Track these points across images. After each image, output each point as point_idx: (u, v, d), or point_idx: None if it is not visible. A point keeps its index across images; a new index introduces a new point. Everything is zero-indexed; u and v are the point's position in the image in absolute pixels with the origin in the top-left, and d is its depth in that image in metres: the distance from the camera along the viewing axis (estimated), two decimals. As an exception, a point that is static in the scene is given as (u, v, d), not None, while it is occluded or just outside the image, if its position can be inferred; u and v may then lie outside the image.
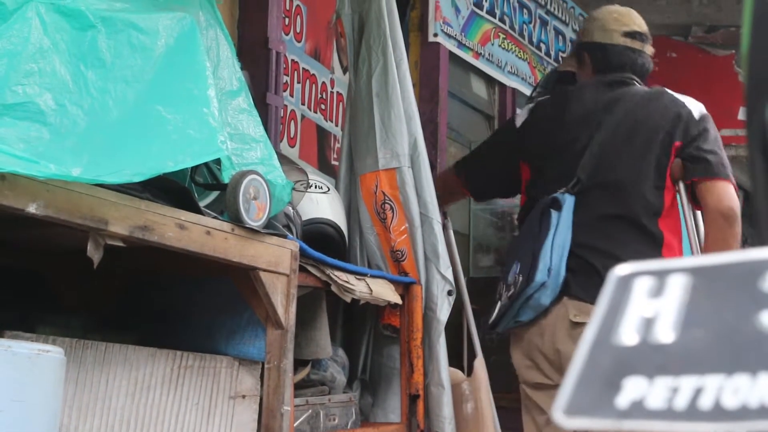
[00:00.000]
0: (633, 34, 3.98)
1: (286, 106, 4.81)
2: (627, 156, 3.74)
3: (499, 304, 3.70)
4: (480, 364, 4.37)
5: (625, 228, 3.68)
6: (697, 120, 3.81)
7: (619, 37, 3.97)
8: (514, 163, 3.99)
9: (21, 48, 2.44)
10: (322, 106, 5.11)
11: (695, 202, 3.78)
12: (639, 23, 4.03)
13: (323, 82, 5.13)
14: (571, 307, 3.55)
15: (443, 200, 4.59)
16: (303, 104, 4.99)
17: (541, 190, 3.81)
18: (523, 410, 3.81)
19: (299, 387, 3.50)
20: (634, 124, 3.78)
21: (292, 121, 4.89)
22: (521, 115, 4.11)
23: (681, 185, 3.78)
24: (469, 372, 4.54)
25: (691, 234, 3.85)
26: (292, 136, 4.89)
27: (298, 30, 4.95)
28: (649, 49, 4.02)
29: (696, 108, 3.86)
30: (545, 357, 3.63)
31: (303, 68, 4.98)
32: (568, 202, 3.65)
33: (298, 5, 4.95)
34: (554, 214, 3.63)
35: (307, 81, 5.02)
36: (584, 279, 3.56)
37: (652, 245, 3.68)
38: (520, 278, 3.59)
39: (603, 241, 3.65)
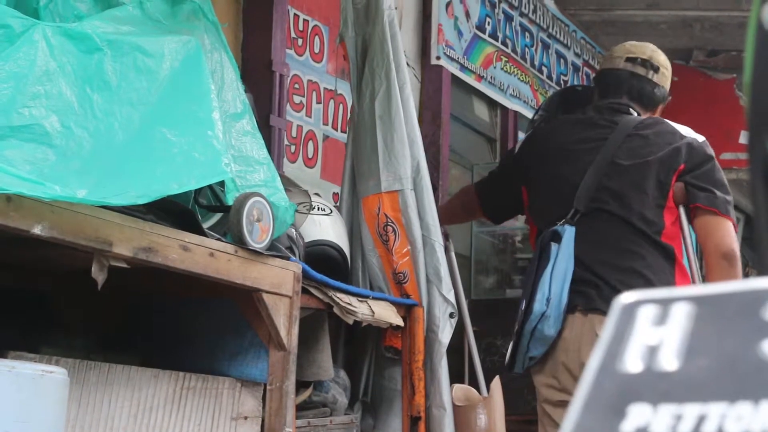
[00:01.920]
0: (635, 60, 3.98)
1: (301, 126, 4.82)
2: (626, 178, 3.76)
3: (511, 344, 3.72)
4: (496, 385, 4.38)
5: (637, 242, 3.71)
6: (701, 144, 3.83)
7: (621, 62, 3.98)
8: (517, 188, 4.00)
9: (28, 70, 2.46)
10: (352, 125, 5.10)
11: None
12: (651, 54, 4.01)
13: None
14: (597, 322, 3.56)
15: (460, 218, 4.59)
16: (326, 124, 4.99)
17: (540, 217, 3.87)
18: (539, 429, 3.80)
19: (301, 408, 3.50)
20: (632, 147, 3.80)
21: (310, 141, 4.89)
22: (520, 142, 4.18)
23: (682, 209, 3.80)
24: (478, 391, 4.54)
25: (692, 256, 3.87)
26: (310, 156, 4.89)
27: (316, 50, 4.96)
28: (658, 78, 3.99)
29: (698, 136, 3.87)
30: (570, 372, 3.62)
31: (325, 88, 4.98)
32: (568, 233, 3.68)
33: (316, 25, 4.97)
34: (554, 246, 3.66)
35: (331, 101, 5.02)
36: (608, 293, 3.58)
37: (665, 258, 3.72)
38: (524, 314, 3.63)
39: (619, 257, 3.68)
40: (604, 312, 3.55)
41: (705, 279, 3.79)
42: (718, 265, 3.70)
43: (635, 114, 3.93)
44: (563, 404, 3.66)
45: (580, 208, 3.73)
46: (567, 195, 3.78)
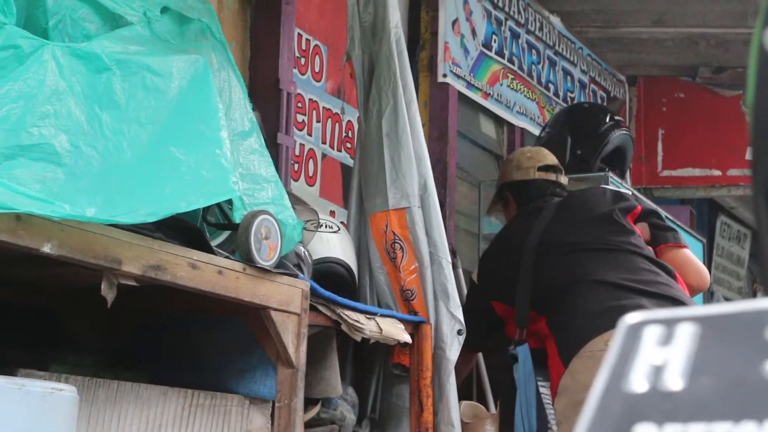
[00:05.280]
0: (547, 168, 4.42)
1: (303, 145, 4.84)
2: (602, 230, 4.03)
3: None
4: None
5: (646, 262, 3.93)
6: (633, 195, 4.36)
7: (534, 172, 4.40)
8: (489, 307, 4.22)
9: (37, 90, 2.48)
10: (348, 145, 5.12)
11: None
12: (550, 158, 4.47)
13: (349, 121, 5.15)
14: None
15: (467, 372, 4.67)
16: (324, 143, 5.01)
17: (537, 297, 4.04)
18: None
19: (309, 426, 3.50)
20: (585, 208, 4.14)
21: (311, 160, 4.92)
22: (475, 272, 4.44)
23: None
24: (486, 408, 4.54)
25: None
26: (311, 174, 4.91)
27: (317, 70, 4.99)
28: (563, 180, 4.44)
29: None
30: None
31: (324, 107, 5.01)
32: (522, 353, 3.98)
33: (316, 45, 4.99)
34: (515, 368, 3.99)
35: (329, 120, 5.05)
36: (646, 303, 3.77)
37: (672, 275, 3.95)
38: None
39: (639, 273, 3.87)
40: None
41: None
42: (694, 292, 4.13)
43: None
44: None
45: (576, 253, 3.97)
46: (544, 268, 4.01)
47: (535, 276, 4.00)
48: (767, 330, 0.72)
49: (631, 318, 0.77)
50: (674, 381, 0.71)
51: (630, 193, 4.37)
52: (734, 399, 0.69)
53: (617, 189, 4.34)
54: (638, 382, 0.72)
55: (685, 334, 0.74)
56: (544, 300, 3.95)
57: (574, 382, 3.69)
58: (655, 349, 0.74)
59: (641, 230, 4.09)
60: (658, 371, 0.72)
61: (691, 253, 4.20)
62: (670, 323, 0.75)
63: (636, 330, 0.76)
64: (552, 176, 4.41)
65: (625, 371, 0.73)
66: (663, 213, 4.45)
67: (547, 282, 3.95)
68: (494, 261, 4.30)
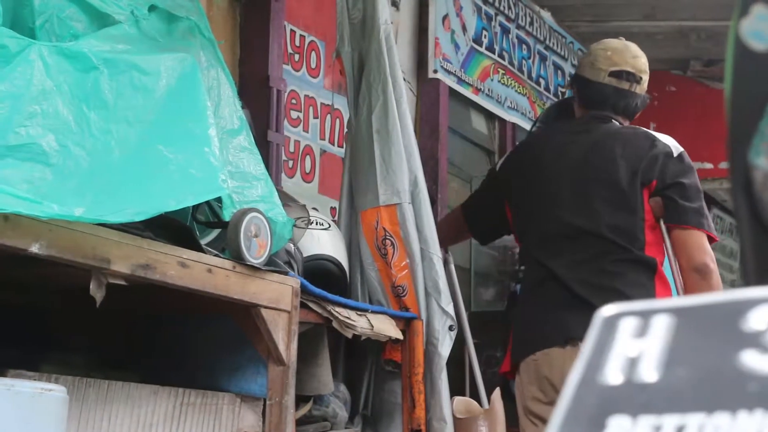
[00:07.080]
0: (620, 74, 3.92)
1: (298, 141, 4.83)
2: (602, 197, 3.76)
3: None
4: (497, 397, 4.38)
5: (619, 260, 3.71)
6: (675, 158, 3.81)
7: (605, 76, 3.93)
8: (500, 206, 4.07)
9: (24, 90, 2.47)
10: (349, 140, 5.12)
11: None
12: (633, 63, 3.95)
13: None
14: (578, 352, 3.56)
15: (453, 240, 4.62)
16: (323, 139, 5.00)
17: (523, 233, 3.95)
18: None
19: (301, 423, 3.51)
20: (607, 164, 3.79)
21: (308, 156, 4.91)
22: (501, 160, 4.20)
23: (662, 222, 3.80)
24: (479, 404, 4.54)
25: (675, 267, 3.84)
26: (307, 171, 4.91)
27: (313, 66, 4.98)
28: (640, 89, 3.96)
29: (673, 146, 3.85)
30: (554, 387, 3.63)
31: (321, 103, 5.00)
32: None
33: (312, 41, 4.99)
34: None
35: (328, 116, 5.04)
36: (587, 319, 3.55)
37: (647, 273, 3.71)
38: None
39: (600, 276, 3.68)
40: (582, 339, 3.54)
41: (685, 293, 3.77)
42: (691, 278, 3.70)
43: (617, 123, 3.94)
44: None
45: (561, 228, 3.77)
46: (548, 213, 3.83)
47: (537, 228, 3.88)
48: (742, 321, 0.72)
49: (606, 310, 0.77)
50: (649, 373, 0.71)
51: (672, 150, 3.81)
52: (708, 390, 0.69)
53: (662, 155, 3.79)
54: (613, 374, 0.72)
55: (661, 326, 0.74)
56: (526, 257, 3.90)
57: (521, 385, 3.73)
58: (630, 341, 0.74)
59: (654, 206, 3.73)
60: (633, 363, 0.72)
61: (690, 235, 3.71)
62: (645, 315, 0.75)
63: (612, 322, 0.76)
64: (624, 84, 3.91)
65: (600, 363, 0.73)
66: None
67: (532, 249, 3.88)
68: (524, 163, 4.01)
